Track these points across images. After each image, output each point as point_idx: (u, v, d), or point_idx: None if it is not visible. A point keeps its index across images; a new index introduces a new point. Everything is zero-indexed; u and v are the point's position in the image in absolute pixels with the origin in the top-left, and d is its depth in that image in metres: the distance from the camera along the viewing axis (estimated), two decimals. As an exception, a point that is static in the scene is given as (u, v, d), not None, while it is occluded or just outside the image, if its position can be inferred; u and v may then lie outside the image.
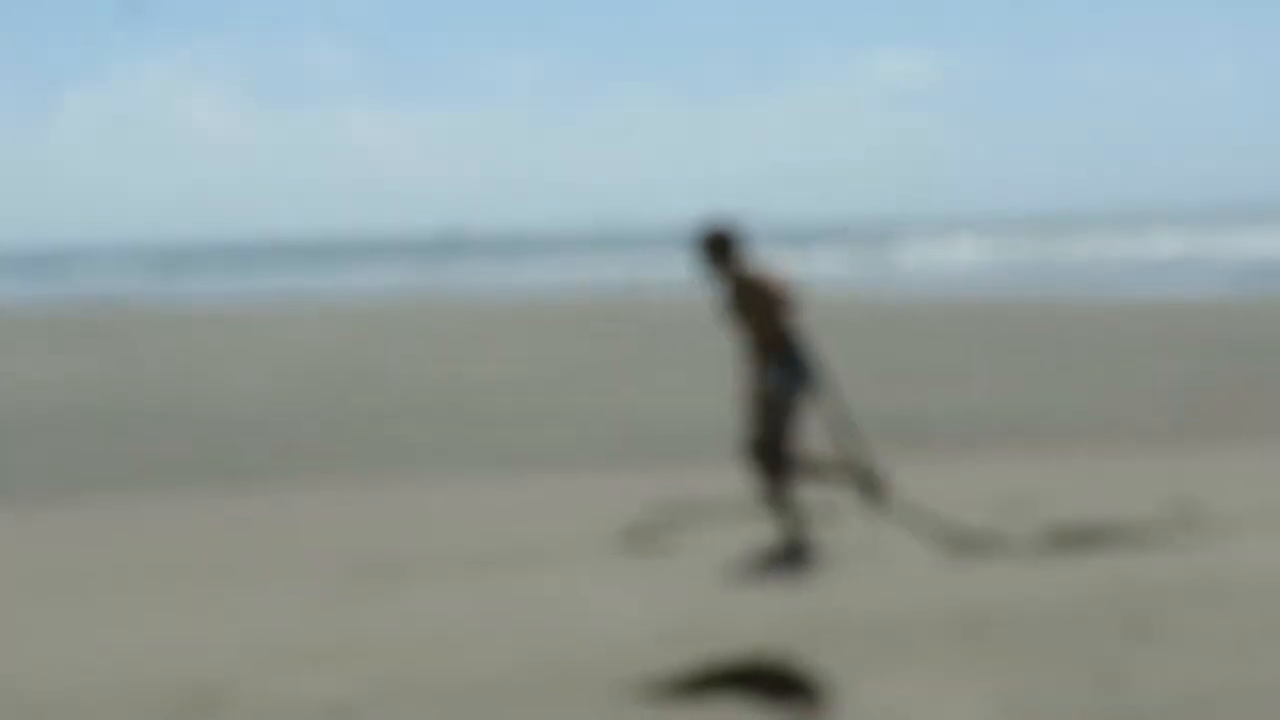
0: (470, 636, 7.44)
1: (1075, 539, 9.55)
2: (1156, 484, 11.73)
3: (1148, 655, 6.60)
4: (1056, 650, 6.73)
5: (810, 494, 9.64)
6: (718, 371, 22.94)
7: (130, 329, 38.88)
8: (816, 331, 9.30)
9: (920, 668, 6.49)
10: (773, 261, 9.79)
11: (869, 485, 9.13)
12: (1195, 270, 55.02)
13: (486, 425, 17.99)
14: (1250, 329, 29.04)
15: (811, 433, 9.20)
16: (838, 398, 9.05)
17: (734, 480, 12.88)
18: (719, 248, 8.83)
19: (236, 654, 7.20)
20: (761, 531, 10.26)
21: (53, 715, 6.24)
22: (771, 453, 8.88)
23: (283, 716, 6.15)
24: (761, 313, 8.77)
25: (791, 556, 8.86)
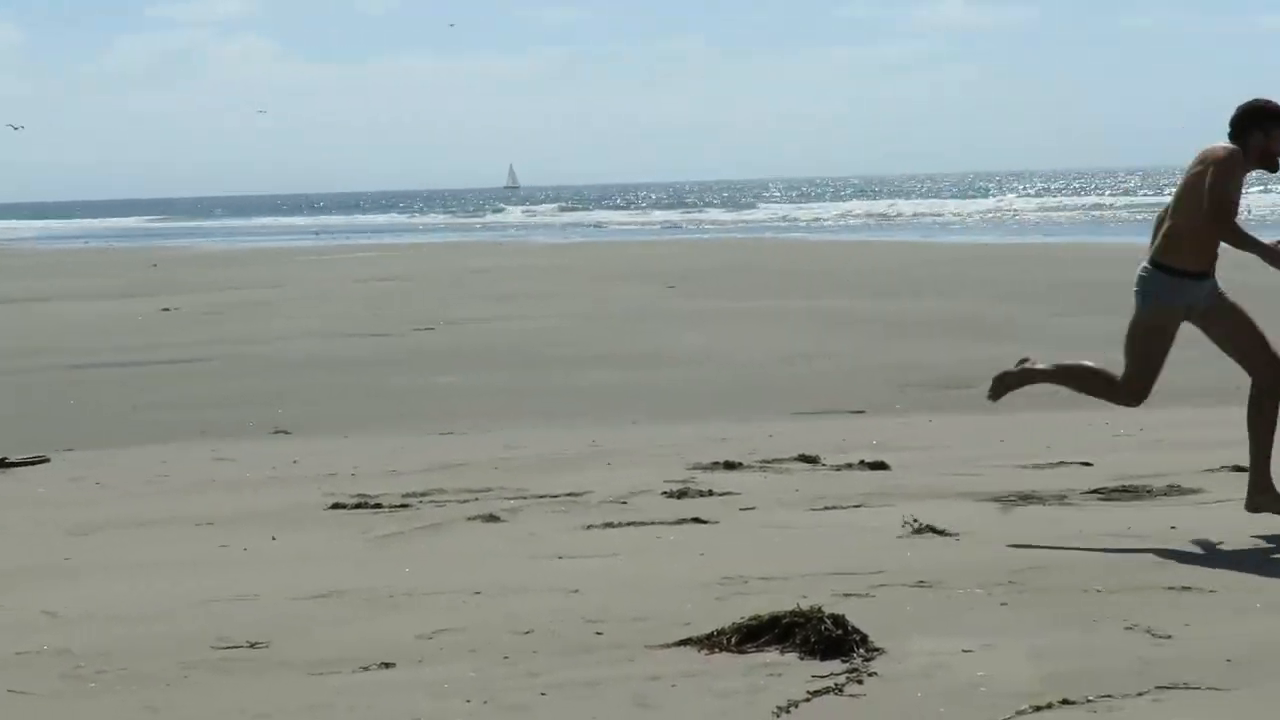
0: (512, 587, 7.46)
1: (1121, 493, 9.54)
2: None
3: (1187, 612, 6.59)
4: (1097, 606, 6.73)
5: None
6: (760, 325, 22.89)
7: (185, 275, 39.09)
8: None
9: (962, 623, 6.49)
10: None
11: None
12: None
13: (542, 369, 18.00)
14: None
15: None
16: None
17: (772, 434, 12.88)
18: None
19: (281, 604, 7.24)
20: (804, 483, 10.26)
21: (102, 664, 6.30)
22: None
23: (326, 667, 6.18)
24: None
25: None
